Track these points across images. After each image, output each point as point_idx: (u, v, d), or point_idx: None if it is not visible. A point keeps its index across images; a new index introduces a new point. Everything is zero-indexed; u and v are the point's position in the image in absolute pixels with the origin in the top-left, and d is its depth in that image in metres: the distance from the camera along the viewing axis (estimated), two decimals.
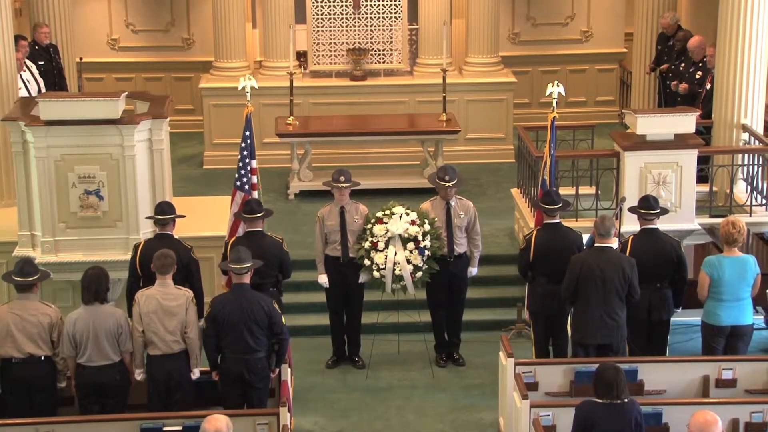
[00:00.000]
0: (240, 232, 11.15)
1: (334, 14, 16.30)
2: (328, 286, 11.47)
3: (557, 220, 10.92)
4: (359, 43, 16.33)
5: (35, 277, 9.55)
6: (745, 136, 13.08)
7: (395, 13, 16.33)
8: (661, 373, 9.76)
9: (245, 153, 11.45)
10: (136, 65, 17.90)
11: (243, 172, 11.42)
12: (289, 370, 10.06)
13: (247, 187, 11.45)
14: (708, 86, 13.87)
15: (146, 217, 11.07)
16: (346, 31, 16.35)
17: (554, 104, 11.80)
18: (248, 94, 11.68)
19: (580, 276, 10.14)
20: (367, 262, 11.29)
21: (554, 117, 11.72)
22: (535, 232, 10.95)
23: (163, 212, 10.62)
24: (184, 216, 10.90)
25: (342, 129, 15.12)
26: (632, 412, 8.19)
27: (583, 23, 18.15)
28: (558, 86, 11.80)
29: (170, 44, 17.98)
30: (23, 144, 11.45)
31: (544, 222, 10.94)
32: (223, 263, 10.12)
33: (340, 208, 11.35)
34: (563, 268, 10.37)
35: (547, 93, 11.83)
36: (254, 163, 11.52)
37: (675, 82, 14.83)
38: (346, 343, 11.74)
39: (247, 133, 11.47)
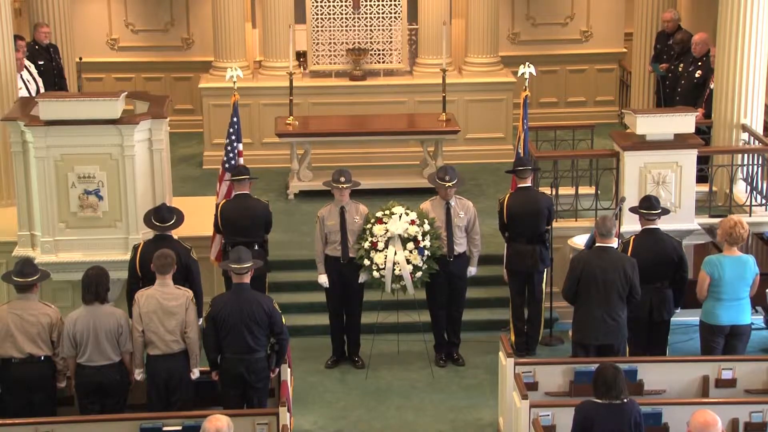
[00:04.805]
0: (220, 198, 11.97)
1: (333, 14, 16.30)
2: (328, 286, 11.48)
3: (529, 184, 11.63)
4: (359, 43, 16.33)
5: (35, 278, 9.55)
6: (745, 136, 13.08)
7: (395, 13, 16.33)
8: (660, 373, 9.75)
9: (233, 137, 12.15)
10: (135, 65, 17.90)
11: (231, 155, 12.12)
12: (288, 370, 10.05)
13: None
14: (711, 86, 13.85)
15: (146, 223, 10.96)
16: (346, 31, 16.36)
17: (526, 84, 12.72)
18: (235, 84, 12.38)
19: (581, 276, 10.15)
20: (366, 262, 11.29)
21: (526, 96, 12.71)
22: (507, 195, 11.66)
23: (163, 219, 10.63)
24: (183, 220, 10.84)
25: (342, 129, 15.12)
26: (632, 412, 8.19)
27: (582, 23, 18.16)
28: (529, 67, 12.70)
29: (170, 44, 17.98)
30: (23, 144, 11.46)
31: (517, 186, 11.66)
32: (224, 263, 10.12)
33: (340, 208, 11.36)
34: (535, 228, 11.50)
35: (519, 74, 12.79)
36: (240, 146, 12.25)
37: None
38: (345, 343, 11.75)
39: (235, 119, 12.23)
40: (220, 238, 11.61)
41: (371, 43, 16.37)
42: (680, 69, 14.83)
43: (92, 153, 11.31)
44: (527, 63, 12.78)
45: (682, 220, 12.05)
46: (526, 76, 12.66)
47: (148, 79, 17.87)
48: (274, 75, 16.00)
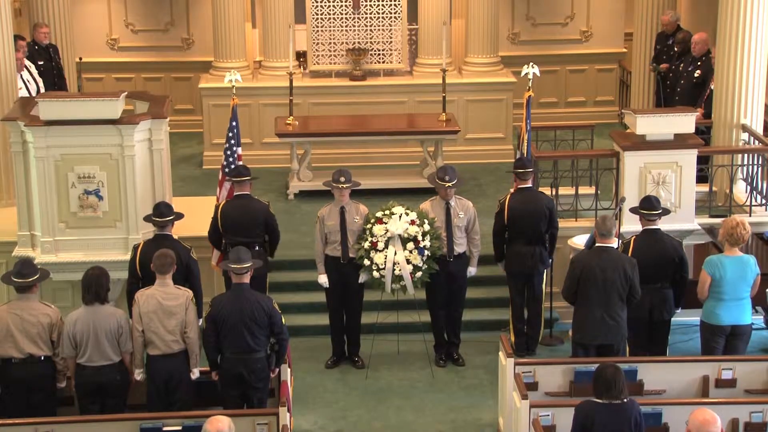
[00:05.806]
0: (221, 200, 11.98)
1: (333, 14, 16.30)
2: (327, 286, 11.48)
3: (530, 185, 11.63)
4: (359, 43, 16.33)
5: (33, 278, 9.54)
6: (745, 136, 13.08)
7: (395, 13, 16.33)
8: (660, 373, 9.75)
9: (232, 142, 12.26)
10: (135, 65, 17.90)
11: (231, 159, 12.19)
12: (288, 370, 10.05)
13: None
14: (712, 85, 13.84)
15: (144, 219, 11.02)
16: (346, 31, 16.35)
17: (530, 84, 12.65)
18: (234, 88, 12.53)
19: (581, 276, 10.15)
20: (366, 262, 11.29)
21: (530, 96, 12.67)
22: (508, 196, 11.64)
23: (162, 214, 10.64)
24: (182, 216, 10.89)
25: (342, 129, 15.13)
26: (632, 411, 8.19)
27: (582, 23, 18.16)
28: (533, 67, 12.66)
29: (170, 44, 17.98)
30: (23, 144, 11.45)
31: (518, 186, 11.64)
32: (224, 263, 10.13)
33: (340, 208, 11.35)
34: (536, 229, 11.48)
35: (522, 74, 12.75)
36: (239, 150, 12.33)
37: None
38: (345, 343, 11.75)
39: (234, 123, 12.33)
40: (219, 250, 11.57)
41: (371, 43, 16.37)
42: (680, 68, 14.83)
43: (92, 153, 11.31)
44: (531, 63, 12.75)
45: (682, 220, 12.04)
46: (530, 76, 12.64)
47: (148, 79, 17.87)
48: (274, 75, 16.00)
